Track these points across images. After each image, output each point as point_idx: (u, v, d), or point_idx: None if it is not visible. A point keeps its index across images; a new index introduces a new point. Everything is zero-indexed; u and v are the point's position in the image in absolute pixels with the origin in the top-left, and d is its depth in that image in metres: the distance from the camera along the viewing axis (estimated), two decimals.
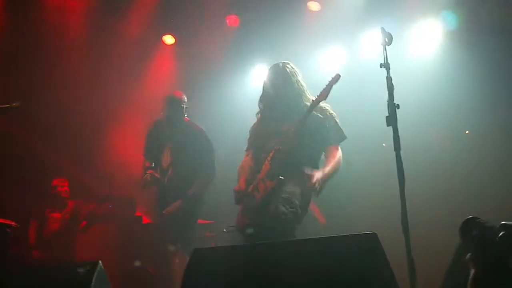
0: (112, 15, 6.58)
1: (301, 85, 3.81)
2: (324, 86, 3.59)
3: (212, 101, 6.61)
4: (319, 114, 3.65)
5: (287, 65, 3.84)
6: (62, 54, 6.71)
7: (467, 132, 5.66)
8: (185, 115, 5.12)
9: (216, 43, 6.68)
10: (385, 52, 3.05)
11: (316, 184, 3.44)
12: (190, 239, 4.91)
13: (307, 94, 3.80)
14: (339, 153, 3.70)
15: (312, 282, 2.42)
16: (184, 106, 5.08)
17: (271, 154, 3.63)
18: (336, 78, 3.57)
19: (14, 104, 4.64)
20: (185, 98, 5.14)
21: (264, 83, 3.89)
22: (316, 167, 3.74)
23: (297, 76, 3.82)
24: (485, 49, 5.30)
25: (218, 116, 6.47)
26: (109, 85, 7.00)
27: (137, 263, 5.81)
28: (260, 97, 3.93)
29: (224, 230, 3.77)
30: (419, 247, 2.75)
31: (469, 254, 2.23)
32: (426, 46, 5.89)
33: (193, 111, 5.38)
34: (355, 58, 6.03)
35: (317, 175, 3.47)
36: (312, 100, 3.60)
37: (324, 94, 3.56)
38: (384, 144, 5.57)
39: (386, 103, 2.95)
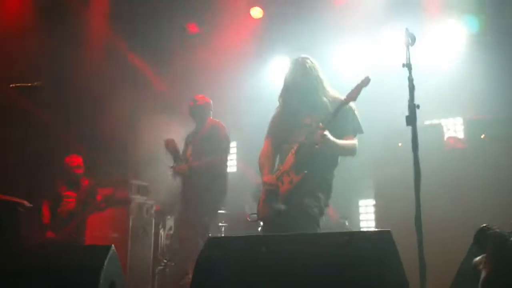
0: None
1: (320, 80, 3.83)
2: (353, 88, 3.60)
3: (233, 92, 6.65)
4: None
5: (307, 60, 3.87)
6: (80, 37, 6.78)
7: (482, 136, 5.61)
8: (209, 115, 5.46)
9: (240, 35, 6.71)
10: (408, 52, 3.04)
11: (320, 138, 3.47)
12: (205, 225, 5.00)
13: (326, 88, 3.83)
14: (354, 141, 3.75)
15: (324, 275, 2.44)
16: (204, 109, 5.42)
17: (295, 147, 3.65)
18: (366, 81, 3.58)
19: (36, 83, 4.70)
20: (205, 101, 5.46)
21: (285, 78, 3.93)
22: (336, 161, 3.78)
23: (316, 71, 3.84)
24: (508, 52, 5.26)
25: (238, 108, 6.51)
26: (129, 70, 7.06)
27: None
28: (281, 91, 3.96)
29: (248, 218, 3.80)
30: (432, 247, 2.75)
31: (480, 256, 2.24)
32: (447, 47, 5.86)
33: (214, 103, 5.53)
34: (376, 56, 6.00)
35: (327, 133, 3.50)
36: (342, 100, 3.62)
37: (353, 96, 3.58)
38: (400, 144, 5.56)
39: (407, 102, 2.94)
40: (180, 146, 5.44)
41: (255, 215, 3.76)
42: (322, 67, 3.97)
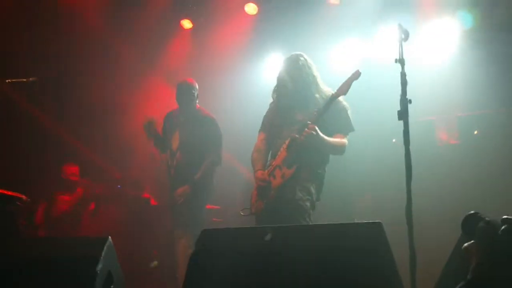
0: None
1: (313, 76, 3.91)
2: (344, 81, 3.67)
3: (226, 87, 6.67)
4: (333, 106, 3.72)
5: (301, 57, 3.95)
6: (79, 39, 6.76)
7: (475, 132, 5.69)
8: (196, 102, 5.20)
9: (234, 30, 6.72)
10: (401, 48, 3.09)
11: (309, 132, 3.52)
12: (197, 223, 4.88)
13: (319, 85, 3.89)
14: (344, 140, 3.82)
15: (317, 266, 2.49)
16: (194, 93, 5.16)
17: (287, 142, 3.72)
18: (357, 75, 3.66)
19: (31, 78, 4.71)
20: (195, 85, 5.21)
21: (278, 74, 3.98)
22: (327, 158, 3.85)
23: (309, 68, 3.92)
24: (500, 48, 5.33)
25: (231, 103, 6.53)
26: (126, 69, 7.06)
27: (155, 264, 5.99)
28: (274, 88, 4.02)
29: (241, 213, 3.86)
30: (423, 239, 2.82)
31: (468, 243, 2.31)
32: (441, 44, 5.92)
33: (206, 97, 5.46)
34: (370, 53, 6.05)
35: (316, 128, 3.55)
36: (332, 93, 3.70)
37: (343, 89, 3.66)
38: (394, 140, 5.63)
39: (399, 98, 2.99)
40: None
41: (248, 210, 3.83)
42: (317, 64, 4.04)
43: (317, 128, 3.58)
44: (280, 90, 3.97)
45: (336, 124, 3.78)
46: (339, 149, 3.80)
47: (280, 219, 3.55)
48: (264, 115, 4.09)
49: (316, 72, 3.93)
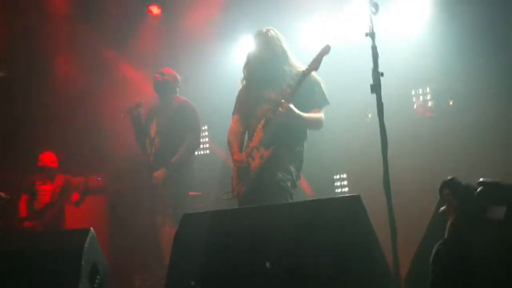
0: None
1: (283, 49, 3.87)
2: (314, 57, 3.64)
3: (199, 72, 6.62)
4: (306, 81, 3.70)
5: (270, 31, 3.90)
6: (49, 27, 6.66)
7: (450, 102, 5.76)
8: (175, 90, 5.23)
9: (203, 14, 6.65)
10: (371, 21, 3.09)
11: (283, 110, 3.51)
12: (180, 210, 4.91)
13: (289, 57, 3.86)
14: (321, 114, 3.80)
15: (298, 243, 2.52)
16: (170, 83, 5.19)
17: (262, 122, 3.69)
18: (327, 49, 3.64)
19: (0, 73, 4.62)
20: (171, 75, 5.24)
21: (249, 50, 3.95)
22: (305, 134, 3.85)
23: (279, 41, 3.88)
24: (471, 17, 5.37)
25: (204, 87, 6.50)
26: (98, 57, 6.97)
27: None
28: (245, 64, 3.98)
29: (223, 197, 3.85)
30: (401, 209, 2.85)
31: (445, 205, 2.37)
32: (412, 16, 5.93)
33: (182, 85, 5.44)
34: (341, 28, 6.03)
35: (291, 106, 3.54)
36: (303, 70, 3.67)
37: (315, 65, 3.63)
38: (369, 115, 5.66)
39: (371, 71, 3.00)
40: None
41: (230, 193, 3.82)
42: (289, 42, 4.00)
43: (291, 105, 3.57)
44: (250, 65, 3.92)
45: (311, 99, 3.76)
46: (317, 124, 3.79)
47: (261, 200, 3.54)
48: (237, 96, 4.06)
49: (285, 45, 3.88)
